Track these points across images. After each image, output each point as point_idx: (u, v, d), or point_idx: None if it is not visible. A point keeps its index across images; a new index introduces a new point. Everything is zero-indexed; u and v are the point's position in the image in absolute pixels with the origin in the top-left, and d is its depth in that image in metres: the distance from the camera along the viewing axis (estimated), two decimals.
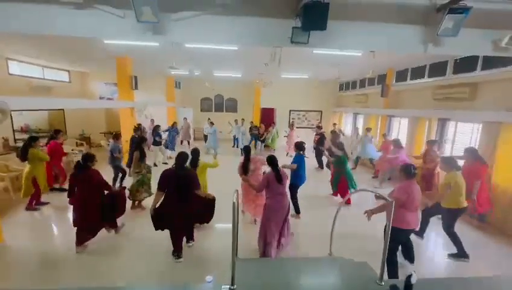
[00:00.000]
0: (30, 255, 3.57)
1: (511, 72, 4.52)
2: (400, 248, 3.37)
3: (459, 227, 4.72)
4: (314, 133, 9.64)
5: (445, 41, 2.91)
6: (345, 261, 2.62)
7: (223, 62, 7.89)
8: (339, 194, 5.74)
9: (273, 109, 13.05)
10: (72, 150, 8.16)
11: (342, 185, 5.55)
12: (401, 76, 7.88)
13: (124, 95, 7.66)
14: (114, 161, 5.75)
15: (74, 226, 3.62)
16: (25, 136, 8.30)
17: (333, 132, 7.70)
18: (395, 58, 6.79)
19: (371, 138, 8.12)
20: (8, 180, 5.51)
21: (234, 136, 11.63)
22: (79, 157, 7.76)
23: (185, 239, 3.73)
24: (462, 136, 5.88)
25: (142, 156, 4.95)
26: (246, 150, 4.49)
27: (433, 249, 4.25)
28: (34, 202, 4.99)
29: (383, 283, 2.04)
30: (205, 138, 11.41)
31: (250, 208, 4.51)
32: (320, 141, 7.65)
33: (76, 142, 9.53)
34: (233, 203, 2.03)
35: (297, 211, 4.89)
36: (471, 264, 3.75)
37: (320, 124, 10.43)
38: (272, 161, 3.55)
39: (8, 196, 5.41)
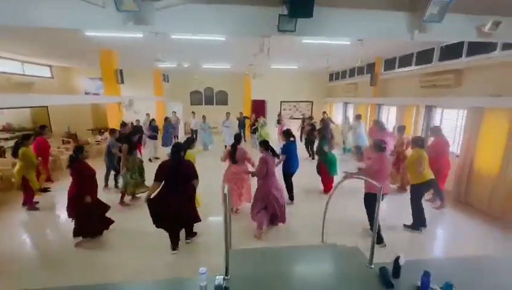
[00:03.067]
0: (15, 254, 3.50)
1: (494, 58, 4.63)
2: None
3: (445, 209, 4.92)
4: (303, 124, 9.68)
5: (430, 28, 2.92)
6: (337, 247, 2.68)
7: (211, 53, 7.74)
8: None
9: (264, 100, 12.99)
10: (59, 147, 7.93)
11: (323, 172, 5.61)
12: (389, 64, 7.95)
13: (110, 90, 7.44)
14: (111, 158, 5.56)
15: (69, 217, 3.70)
16: (8, 135, 8.00)
17: (323, 120, 8.10)
18: (383, 47, 6.82)
19: (363, 125, 8.12)
20: None
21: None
22: (66, 156, 7.63)
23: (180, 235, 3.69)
24: (449, 122, 6.01)
25: (132, 149, 4.89)
26: (237, 138, 4.56)
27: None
28: (26, 201, 4.82)
29: (372, 266, 2.10)
30: (192, 132, 11.12)
31: (234, 196, 4.46)
32: (311, 131, 7.95)
33: (63, 140, 9.24)
34: (224, 195, 2.03)
35: (291, 198, 4.99)
36: (456, 244, 3.92)
37: (311, 115, 10.47)
38: (264, 144, 4.02)
39: None
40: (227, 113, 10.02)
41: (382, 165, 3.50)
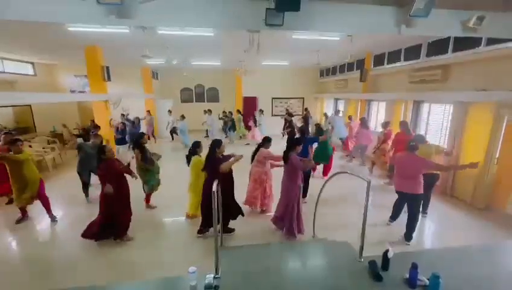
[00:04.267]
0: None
1: (479, 53, 4.73)
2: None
3: (432, 202, 5.03)
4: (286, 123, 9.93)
5: (417, 23, 2.95)
6: (327, 242, 2.70)
7: (201, 50, 7.61)
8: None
9: (255, 97, 12.94)
10: (44, 148, 7.67)
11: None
12: (378, 60, 8.03)
13: (96, 87, 7.22)
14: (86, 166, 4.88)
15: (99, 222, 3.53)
16: None
17: (304, 117, 8.80)
18: (373, 42, 6.87)
19: (342, 119, 9.00)
20: None
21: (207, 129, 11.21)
22: (51, 156, 7.36)
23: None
24: (436, 116, 6.13)
25: (144, 154, 4.38)
26: (265, 140, 4.34)
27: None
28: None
29: (362, 260, 2.12)
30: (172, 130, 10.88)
31: (251, 197, 4.37)
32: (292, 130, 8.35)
33: (48, 140, 8.94)
34: (213, 192, 2.00)
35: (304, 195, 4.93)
36: (443, 236, 4.03)
37: (289, 111, 10.81)
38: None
39: None
40: (208, 110, 9.93)
41: (398, 164, 3.73)
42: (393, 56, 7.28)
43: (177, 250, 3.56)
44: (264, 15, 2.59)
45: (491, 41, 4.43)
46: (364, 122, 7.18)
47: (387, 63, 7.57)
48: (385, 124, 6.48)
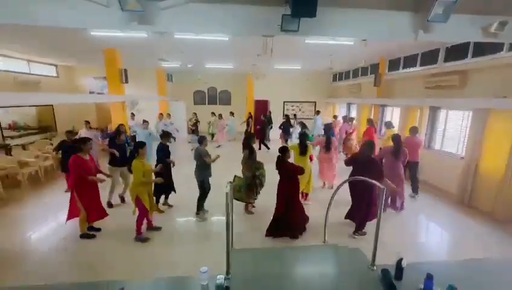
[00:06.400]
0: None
1: (500, 59, 4.56)
2: None
3: (449, 212, 4.87)
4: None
5: (435, 28, 2.89)
6: (338, 248, 2.67)
7: (215, 53, 7.76)
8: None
9: (267, 100, 12.99)
10: None
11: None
12: (393, 65, 7.89)
13: (114, 89, 7.49)
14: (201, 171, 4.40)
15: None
16: (14, 133, 8.11)
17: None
18: (387, 47, 6.77)
19: (320, 118, 9.95)
20: None
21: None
22: None
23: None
24: (454, 123, 5.95)
25: (253, 153, 4.55)
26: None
27: (424, 235, 4.37)
28: (140, 228, 3.81)
29: (375, 268, 2.09)
30: (133, 138, 7.44)
31: (327, 176, 5.85)
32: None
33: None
34: (226, 193, 2.04)
35: None
36: (460, 247, 3.88)
37: (251, 115, 11.49)
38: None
39: None
40: (168, 114, 9.91)
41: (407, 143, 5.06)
42: (409, 61, 7.13)
43: (189, 249, 3.62)
44: (279, 20, 2.63)
45: None
46: (346, 120, 8.51)
47: (403, 68, 7.42)
48: (350, 119, 8.53)
